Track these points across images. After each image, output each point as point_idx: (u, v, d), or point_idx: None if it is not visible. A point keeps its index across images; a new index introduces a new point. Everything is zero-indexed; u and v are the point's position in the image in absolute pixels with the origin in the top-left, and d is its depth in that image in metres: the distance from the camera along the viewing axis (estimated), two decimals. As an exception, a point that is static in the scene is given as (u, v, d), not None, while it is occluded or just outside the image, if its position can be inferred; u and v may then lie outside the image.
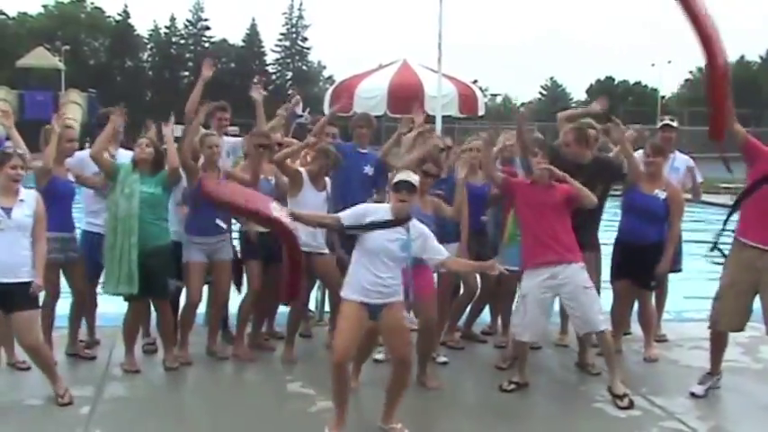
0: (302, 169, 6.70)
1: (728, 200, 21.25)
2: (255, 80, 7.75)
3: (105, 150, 6.42)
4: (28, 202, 5.49)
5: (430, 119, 11.02)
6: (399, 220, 4.93)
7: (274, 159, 6.53)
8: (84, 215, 6.77)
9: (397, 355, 5.08)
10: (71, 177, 6.43)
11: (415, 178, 4.97)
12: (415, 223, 5.01)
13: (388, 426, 5.12)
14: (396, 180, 4.96)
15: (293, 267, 5.72)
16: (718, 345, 6.11)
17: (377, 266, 4.90)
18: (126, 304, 6.35)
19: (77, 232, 6.61)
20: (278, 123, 7.70)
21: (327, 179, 6.80)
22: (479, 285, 7.11)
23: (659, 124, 7.73)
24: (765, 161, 5.77)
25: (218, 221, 6.55)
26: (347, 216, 5.02)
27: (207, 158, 6.51)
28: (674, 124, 7.55)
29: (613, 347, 6.10)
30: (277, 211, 5.52)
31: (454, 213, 6.26)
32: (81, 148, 6.85)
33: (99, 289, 6.71)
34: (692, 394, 6.02)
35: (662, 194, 6.69)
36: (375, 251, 4.90)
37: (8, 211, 5.38)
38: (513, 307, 6.49)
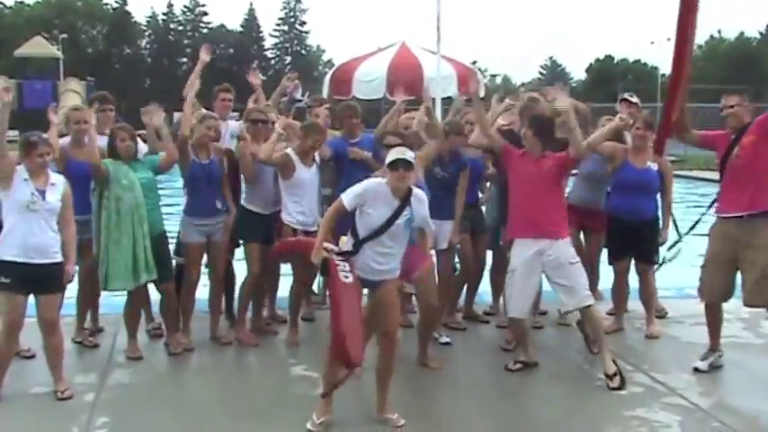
0: (290, 150, 6.63)
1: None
2: (254, 65, 7.80)
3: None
4: (58, 186, 5.53)
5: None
6: (402, 200, 4.88)
7: (262, 159, 6.50)
8: None
9: (385, 331, 5.06)
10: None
11: (410, 155, 4.88)
12: (415, 195, 4.95)
13: (383, 416, 5.09)
14: (392, 159, 4.85)
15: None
16: (711, 318, 6.16)
17: (382, 244, 4.89)
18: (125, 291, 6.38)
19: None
20: (274, 102, 7.70)
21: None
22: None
23: (619, 98, 7.65)
24: (719, 145, 6.04)
25: (218, 203, 6.59)
26: (349, 200, 4.91)
27: (199, 137, 6.52)
28: (634, 100, 7.44)
29: (601, 323, 6.07)
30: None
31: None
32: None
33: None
34: (696, 369, 6.06)
35: (654, 166, 6.73)
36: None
37: (42, 193, 5.42)
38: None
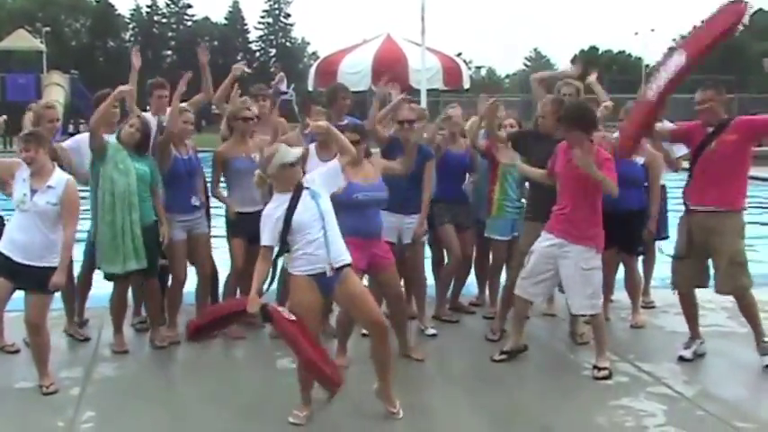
0: (312, 147, 6.50)
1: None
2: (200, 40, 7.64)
3: (104, 123, 6.32)
4: (56, 188, 5.43)
5: (412, 92, 11.00)
6: (295, 189, 4.84)
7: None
8: None
9: (370, 321, 5.01)
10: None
11: (294, 154, 4.86)
12: (307, 182, 4.92)
13: (388, 408, 5.08)
14: (290, 161, 4.82)
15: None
16: (686, 308, 6.25)
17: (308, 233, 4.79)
18: (111, 284, 6.37)
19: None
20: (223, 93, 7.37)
21: None
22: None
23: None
24: (693, 138, 6.06)
25: (194, 200, 6.61)
26: (268, 239, 4.84)
27: (179, 132, 6.56)
28: None
29: (604, 329, 6.05)
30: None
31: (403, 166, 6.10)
32: (65, 130, 6.81)
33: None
34: (681, 358, 6.11)
35: (640, 160, 6.77)
36: (302, 228, 4.79)
37: (33, 192, 5.38)
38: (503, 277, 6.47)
